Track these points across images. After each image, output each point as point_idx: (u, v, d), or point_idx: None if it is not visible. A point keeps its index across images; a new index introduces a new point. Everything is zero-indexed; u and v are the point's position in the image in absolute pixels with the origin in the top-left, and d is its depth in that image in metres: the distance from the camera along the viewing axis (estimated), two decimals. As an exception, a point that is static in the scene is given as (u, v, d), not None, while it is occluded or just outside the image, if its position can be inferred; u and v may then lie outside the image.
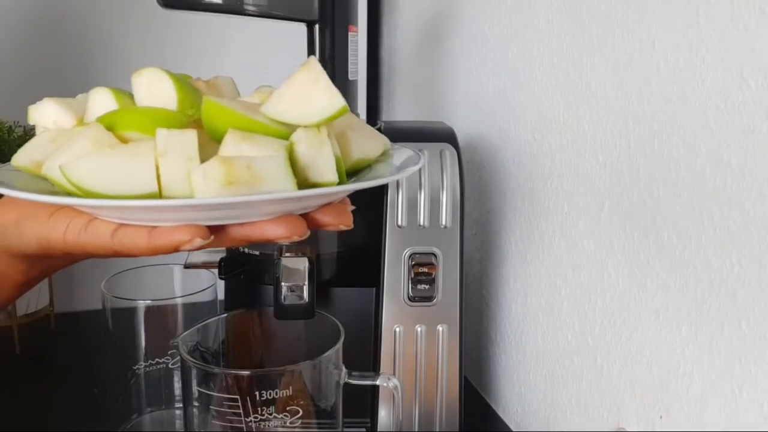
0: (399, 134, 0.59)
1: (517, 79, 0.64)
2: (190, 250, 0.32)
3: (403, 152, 0.40)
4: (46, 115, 0.37)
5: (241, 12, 0.55)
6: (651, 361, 0.47)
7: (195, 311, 0.59)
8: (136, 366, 0.59)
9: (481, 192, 0.72)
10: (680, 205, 0.43)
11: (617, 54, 0.48)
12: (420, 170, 0.56)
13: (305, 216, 0.33)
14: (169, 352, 0.59)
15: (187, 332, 0.48)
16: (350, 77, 0.60)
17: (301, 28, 0.59)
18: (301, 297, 0.51)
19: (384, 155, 0.39)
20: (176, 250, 0.31)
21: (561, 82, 0.56)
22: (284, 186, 0.31)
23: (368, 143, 0.38)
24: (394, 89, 1.05)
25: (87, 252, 0.34)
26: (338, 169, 0.33)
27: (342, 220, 0.34)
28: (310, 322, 0.52)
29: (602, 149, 0.51)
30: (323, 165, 0.33)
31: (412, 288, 0.57)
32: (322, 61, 0.59)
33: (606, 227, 0.51)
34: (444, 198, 0.56)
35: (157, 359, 0.59)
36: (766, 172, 0.37)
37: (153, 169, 0.30)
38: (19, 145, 0.79)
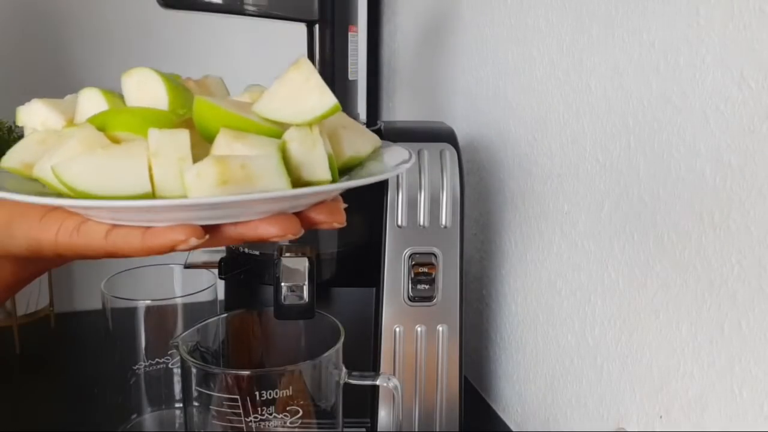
0: (399, 134, 0.59)
1: (517, 79, 0.64)
2: (185, 250, 0.32)
3: (393, 150, 0.40)
4: (35, 116, 0.37)
5: (241, 12, 0.55)
6: (651, 361, 0.47)
7: (195, 311, 0.59)
8: (136, 366, 0.59)
9: (481, 192, 0.72)
10: (680, 205, 0.43)
11: (617, 54, 0.48)
12: (420, 170, 0.56)
13: (298, 214, 0.33)
14: (169, 352, 0.59)
15: (187, 332, 0.48)
16: (350, 77, 0.60)
17: (301, 28, 0.59)
18: (301, 297, 0.51)
19: (375, 153, 0.39)
20: (171, 250, 0.31)
21: (561, 82, 0.56)
22: (278, 185, 0.31)
23: (360, 141, 0.38)
24: (394, 89, 1.05)
25: (79, 254, 0.34)
26: (331, 168, 0.33)
27: (335, 218, 0.34)
28: (310, 322, 0.52)
29: (602, 149, 0.51)
30: (316, 163, 0.33)
31: (412, 288, 0.57)
32: (322, 61, 0.59)
33: (606, 227, 0.51)
34: (444, 198, 0.56)
35: (157, 359, 0.59)
36: (766, 172, 0.37)
37: (146, 169, 0.30)
38: (19, 145, 0.78)
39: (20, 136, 0.81)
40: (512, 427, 0.67)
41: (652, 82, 0.45)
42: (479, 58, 0.72)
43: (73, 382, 0.75)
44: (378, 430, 0.59)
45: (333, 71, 0.59)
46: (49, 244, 0.34)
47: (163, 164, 0.30)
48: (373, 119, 1.07)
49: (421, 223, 0.56)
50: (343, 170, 0.36)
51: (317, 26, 0.58)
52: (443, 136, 0.59)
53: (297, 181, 0.32)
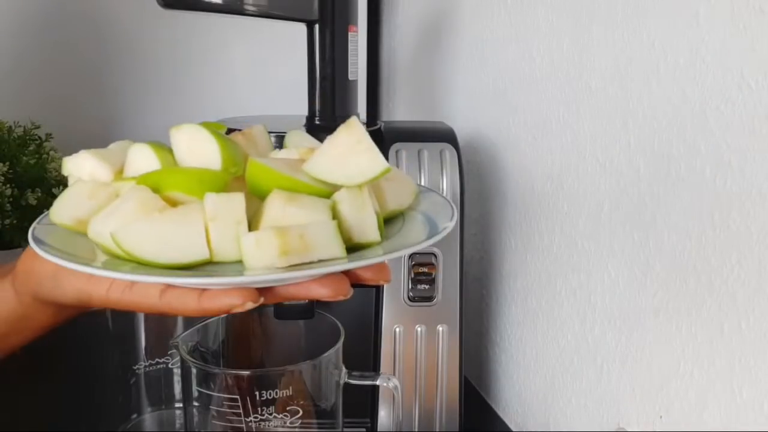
0: (399, 134, 0.59)
1: (517, 79, 0.64)
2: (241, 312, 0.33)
3: (430, 196, 0.41)
4: (82, 167, 0.38)
5: (241, 12, 0.55)
6: (651, 361, 0.47)
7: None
8: (136, 366, 0.59)
9: (481, 192, 0.72)
10: (680, 205, 0.43)
11: (617, 54, 0.48)
12: (420, 170, 0.56)
13: (347, 272, 0.34)
14: (169, 352, 0.59)
15: (187, 332, 0.48)
16: (350, 77, 0.60)
17: (301, 28, 0.59)
18: (301, 297, 0.51)
19: (414, 201, 0.40)
20: (227, 312, 0.32)
21: (561, 82, 0.56)
22: (334, 252, 0.32)
23: (401, 193, 0.39)
24: (394, 89, 1.05)
25: (129, 309, 0.34)
26: (378, 226, 0.34)
27: (382, 276, 0.35)
28: (310, 322, 0.52)
29: (602, 149, 0.51)
30: (366, 225, 0.34)
31: (412, 288, 0.57)
32: (322, 61, 0.59)
33: (606, 227, 0.51)
34: (444, 198, 0.56)
35: (157, 359, 0.59)
36: (766, 172, 0.37)
37: (203, 235, 0.31)
38: (19, 146, 0.79)
39: (20, 137, 0.80)
40: (512, 427, 0.67)
41: (652, 82, 0.45)
42: (479, 58, 0.72)
43: (73, 382, 0.75)
44: (378, 430, 0.59)
45: (333, 71, 0.59)
46: (100, 298, 0.34)
47: (221, 228, 0.31)
48: (373, 119, 1.07)
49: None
50: (384, 221, 0.37)
51: (317, 26, 0.58)
52: (443, 136, 0.59)
53: (347, 242, 0.33)
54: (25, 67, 0.92)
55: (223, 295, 0.31)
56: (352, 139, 0.34)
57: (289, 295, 0.33)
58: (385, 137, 0.59)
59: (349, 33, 0.60)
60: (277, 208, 0.32)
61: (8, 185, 0.70)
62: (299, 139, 0.42)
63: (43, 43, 0.92)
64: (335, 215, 0.33)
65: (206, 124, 0.37)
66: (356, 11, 0.61)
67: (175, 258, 0.31)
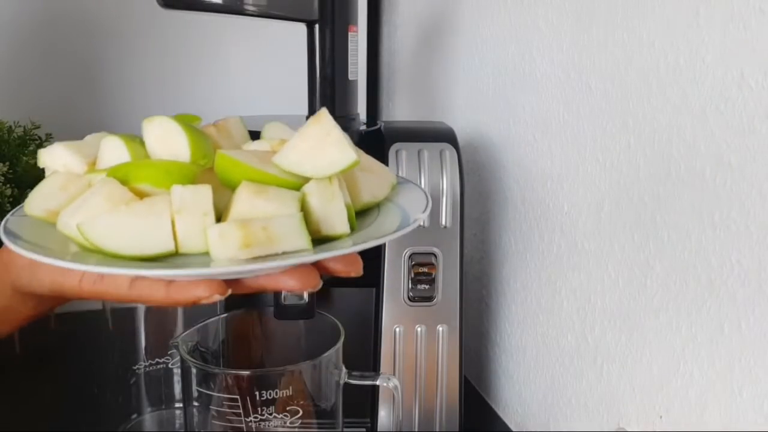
0: (399, 134, 0.59)
1: (517, 79, 0.64)
2: (208, 304, 0.33)
3: (408, 189, 0.40)
4: (56, 159, 0.38)
5: (241, 12, 0.55)
6: (651, 361, 0.47)
7: (195, 311, 0.59)
8: (136, 366, 0.59)
9: (481, 192, 0.72)
10: (680, 205, 0.43)
11: (617, 54, 0.48)
12: (420, 170, 0.56)
13: (316, 264, 0.34)
14: (169, 352, 0.59)
15: (187, 332, 0.48)
16: (350, 77, 0.60)
17: (301, 28, 0.59)
18: (301, 297, 0.51)
19: (391, 192, 0.40)
20: (195, 304, 0.32)
21: (561, 82, 0.56)
22: (299, 244, 0.32)
23: (377, 184, 0.39)
24: (394, 89, 1.05)
25: (102, 298, 0.35)
26: (349, 218, 0.34)
27: (353, 268, 0.35)
28: (310, 322, 0.52)
29: (602, 149, 0.51)
30: (335, 217, 0.34)
31: (412, 288, 0.57)
32: (322, 61, 0.59)
33: (606, 227, 0.51)
34: (444, 198, 0.56)
35: (157, 359, 0.59)
36: (766, 172, 0.37)
37: (169, 227, 0.31)
38: (19, 146, 0.79)
39: (20, 137, 0.80)
40: (512, 427, 0.67)
41: (652, 82, 0.45)
42: (479, 58, 0.72)
43: (73, 382, 0.75)
44: (378, 430, 0.59)
45: (333, 71, 0.59)
46: (72, 288, 0.35)
47: (187, 220, 0.32)
48: (373, 119, 1.07)
49: (421, 222, 0.56)
50: (360, 213, 0.37)
51: (317, 26, 0.58)
52: (443, 136, 0.59)
53: (316, 234, 0.33)
54: (25, 67, 0.92)
55: (190, 287, 0.32)
56: (322, 131, 0.34)
57: (258, 286, 0.33)
58: (385, 137, 0.59)
59: (349, 33, 0.60)
60: (245, 201, 0.32)
61: (8, 185, 0.70)
62: (276, 131, 0.41)
63: (43, 43, 0.92)
64: (304, 207, 0.33)
65: (180, 117, 0.37)
66: (356, 11, 0.61)
67: (140, 250, 0.31)
